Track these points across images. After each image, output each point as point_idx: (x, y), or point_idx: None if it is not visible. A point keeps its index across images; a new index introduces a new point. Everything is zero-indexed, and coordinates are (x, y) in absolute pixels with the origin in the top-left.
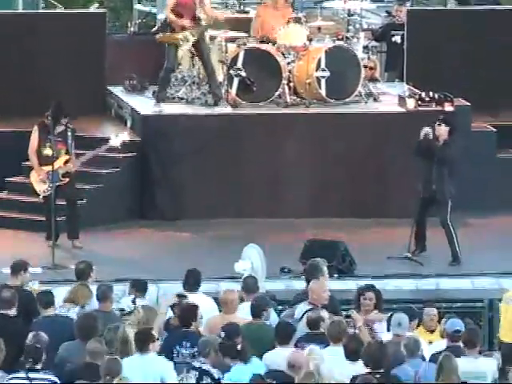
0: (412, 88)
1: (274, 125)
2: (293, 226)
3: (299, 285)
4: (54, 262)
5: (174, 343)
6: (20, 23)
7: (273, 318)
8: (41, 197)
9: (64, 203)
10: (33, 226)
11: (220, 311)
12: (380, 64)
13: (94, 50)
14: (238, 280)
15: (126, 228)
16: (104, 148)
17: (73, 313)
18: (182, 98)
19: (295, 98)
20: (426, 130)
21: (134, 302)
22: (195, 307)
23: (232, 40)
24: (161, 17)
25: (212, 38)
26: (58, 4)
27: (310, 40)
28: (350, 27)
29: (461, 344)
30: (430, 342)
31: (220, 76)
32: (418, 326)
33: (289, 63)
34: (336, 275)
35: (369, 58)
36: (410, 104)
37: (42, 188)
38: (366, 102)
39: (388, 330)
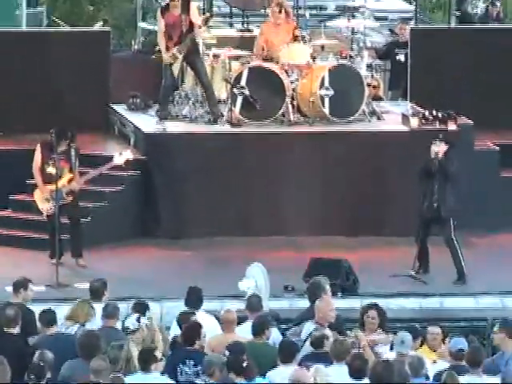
0: (416, 106)
1: (278, 143)
2: (296, 244)
3: (303, 303)
4: (57, 280)
5: (178, 362)
6: (24, 41)
7: (276, 336)
8: (44, 215)
9: (67, 221)
10: (37, 244)
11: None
12: (384, 82)
13: (98, 67)
14: (242, 299)
15: (130, 246)
16: (108, 166)
17: (72, 331)
18: (185, 116)
19: (299, 116)
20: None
21: (138, 320)
22: (199, 326)
23: (236, 58)
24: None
25: (216, 56)
26: (62, 22)
27: (314, 58)
28: (354, 45)
29: (464, 363)
30: (434, 362)
31: (223, 94)
32: (422, 344)
33: (292, 81)
34: (340, 294)
35: (372, 77)
36: (414, 122)
37: (45, 206)
38: (369, 121)
39: (391, 348)
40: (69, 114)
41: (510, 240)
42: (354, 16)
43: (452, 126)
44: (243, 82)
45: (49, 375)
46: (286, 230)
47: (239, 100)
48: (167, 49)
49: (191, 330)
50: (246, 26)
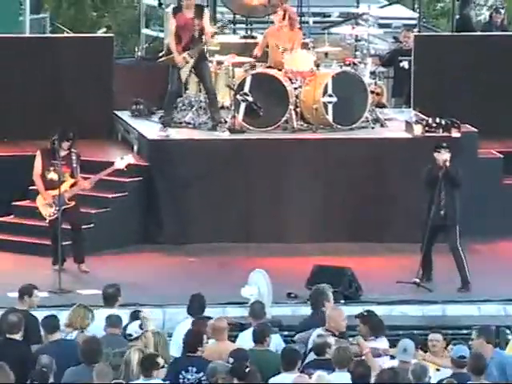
0: (419, 114)
1: (281, 150)
2: (299, 251)
3: (305, 310)
4: (60, 286)
5: (180, 369)
6: (27, 47)
7: (278, 343)
8: (47, 221)
9: (69, 227)
10: (40, 250)
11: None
12: (387, 90)
13: (102, 74)
14: (244, 305)
15: (133, 252)
16: (109, 170)
17: (70, 337)
18: (188, 123)
19: (302, 123)
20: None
21: (141, 327)
22: (201, 333)
23: (239, 65)
24: (168, 41)
25: (219, 63)
26: (66, 29)
27: (318, 65)
28: (358, 53)
29: (466, 371)
30: (438, 369)
31: (227, 101)
32: (425, 351)
33: (296, 88)
34: (342, 301)
35: (376, 84)
36: (417, 130)
37: (48, 212)
38: (372, 128)
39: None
40: (72, 121)
41: None
42: (357, 23)
43: (455, 134)
44: (246, 89)
45: (51, 379)
46: (288, 237)
47: (242, 107)
48: (179, 51)
49: (194, 337)
50: (249, 32)
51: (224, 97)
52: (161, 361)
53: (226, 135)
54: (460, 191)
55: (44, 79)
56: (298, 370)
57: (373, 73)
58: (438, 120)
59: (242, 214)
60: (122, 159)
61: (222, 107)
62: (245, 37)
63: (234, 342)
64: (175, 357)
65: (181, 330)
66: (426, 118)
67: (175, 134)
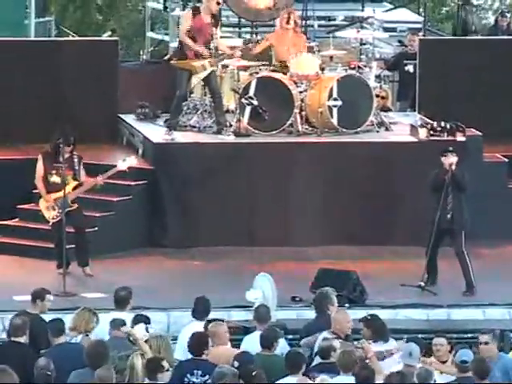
0: (424, 118)
1: (286, 154)
2: (304, 254)
3: (310, 314)
4: (64, 289)
5: (185, 372)
6: (32, 50)
7: (283, 347)
8: (50, 223)
9: (72, 231)
10: (44, 253)
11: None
12: (392, 93)
13: (107, 77)
14: (249, 309)
15: (137, 256)
16: (111, 172)
17: (75, 341)
18: (193, 127)
19: (307, 126)
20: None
21: (147, 330)
22: (207, 336)
23: (244, 68)
24: (173, 45)
25: (224, 67)
26: (71, 32)
27: (323, 69)
28: (363, 56)
29: (471, 375)
30: (442, 373)
31: (232, 104)
32: (430, 356)
33: (301, 92)
34: (347, 305)
35: (381, 88)
36: (422, 134)
37: (50, 215)
38: (377, 131)
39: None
40: (77, 124)
41: None
42: (362, 27)
43: (460, 138)
44: (252, 93)
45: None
46: (293, 241)
47: (247, 110)
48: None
49: (199, 340)
50: (254, 36)
51: (229, 100)
52: (165, 364)
53: (231, 139)
54: (465, 195)
55: (49, 82)
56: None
57: (378, 76)
58: (442, 124)
59: (247, 218)
60: (124, 161)
61: (227, 111)
62: (250, 40)
63: (238, 345)
64: (180, 360)
65: (186, 334)
66: (431, 122)
67: (180, 137)
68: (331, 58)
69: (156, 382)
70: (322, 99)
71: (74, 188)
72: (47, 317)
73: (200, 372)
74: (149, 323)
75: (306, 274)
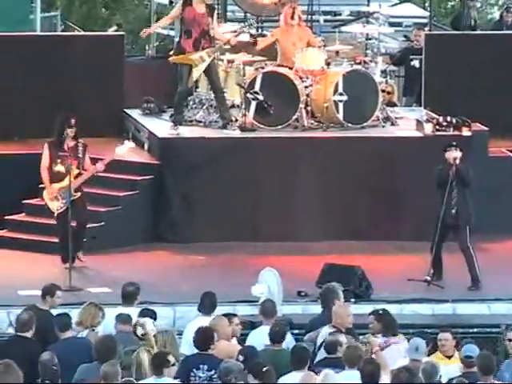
0: (430, 113)
1: (291, 148)
2: (309, 249)
3: (315, 309)
4: (70, 284)
5: (191, 367)
6: (37, 45)
7: (289, 342)
8: (55, 214)
9: (73, 224)
10: (50, 248)
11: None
12: (398, 88)
13: (112, 72)
14: (254, 303)
15: (143, 250)
16: (110, 158)
17: (81, 335)
18: (199, 121)
19: (313, 121)
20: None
21: (153, 324)
22: (213, 331)
23: (250, 63)
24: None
25: (230, 62)
26: (76, 27)
27: (328, 64)
28: (368, 51)
29: (476, 370)
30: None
31: (237, 99)
32: (435, 351)
33: (306, 87)
34: (353, 300)
35: (386, 83)
36: (428, 129)
37: (55, 206)
38: (383, 126)
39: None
40: (82, 119)
41: None
42: (368, 22)
43: (466, 132)
44: (257, 88)
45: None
46: (298, 236)
47: (253, 105)
48: (185, 46)
49: (205, 335)
50: (260, 31)
51: (234, 95)
52: (171, 358)
53: (237, 133)
54: (470, 190)
55: (54, 77)
56: (308, 369)
57: (383, 71)
58: (448, 119)
59: (252, 213)
60: (122, 145)
61: (233, 106)
62: (255, 35)
63: (244, 340)
64: (186, 355)
65: (192, 328)
66: (437, 117)
67: (186, 132)
68: (337, 52)
69: (162, 376)
70: (328, 94)
71: (76, 176)
72: (54, 311)
73: (206, 367)
74: (155, 318)
75: (311, 269)
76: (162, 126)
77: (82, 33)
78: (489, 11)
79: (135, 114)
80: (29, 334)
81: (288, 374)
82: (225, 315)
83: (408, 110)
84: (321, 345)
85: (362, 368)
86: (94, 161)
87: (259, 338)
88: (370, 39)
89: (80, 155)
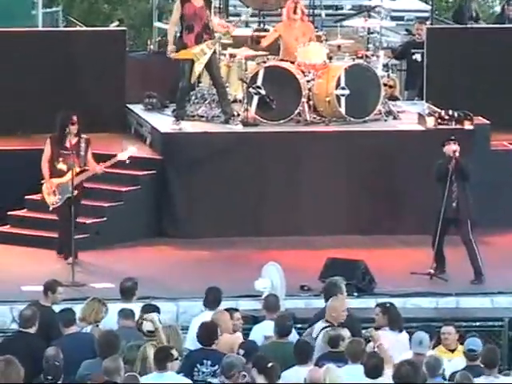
0: (432, 106)
1: (294, 143)
2: (311, 244)
3: (319, 303)
4: (73, 279)
5: (195, 362)
6: (39, 41)
7: (293, 336)
8: (50, 208)
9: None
10: (52, 243)
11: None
12: (400, 82)
13: (114, 67)
14: (257, 298)
15: (146, 246)
16: (111, 162)
17: (85, 331)
18: (201, 116)
19: (315, 116)
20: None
21: (159, 320)
22: (216, 326)
23: (252, 58)
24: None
25: (232, 56)
26: (78, 22)
27: (330, 58)
28: (370, 45)
29: (480, 363)
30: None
31: (239, 94)
32: (439, 344)
33: (308, 81)
34: (355, 294)
35: (388, 76)
36: (430, 122)
37: (51, 200)
38: (385, 120)
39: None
40: (85, 114)
41: None
42: (370, 16)
43: (468, 126)
44: (259, 82)
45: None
46: (301, 230)
47: (255, 100)
48: (187, 41)
49: (208, 330)
50: (262, 25)
51: (237, 90)
52: (175, 353)
53: (239, 128)
54: (469, 184)
55: (56, 73)
56: (311, 363)
57: (385, 65)
58: (450, 112)
59: (255, 208)
60: (125, 151)
61: (235, 100)
62: (257, 30)
63: (247, 335)
64: (190, 350)
65: (197, 324)
66: (439, 111)
67: (188, 127)
68: (339, 47)
69: (165, 371)
70: (330, 88)
71: (77, 174)
72: (57, 307)
73: (209, 362)
74: (158, 313)
75: (314, 264)
76: (164, 121)
77: (84, 28)
78: (491, 5)
79: (137, 109)
80: (32, 330)
81: (291, 369)
82: (226, 310)
83: (410, 104)
84: (316, 338)
85: (365, 362)
86: (97, 156)
87: (262, 333)
88: (372, 33)
89: (82, 152)
